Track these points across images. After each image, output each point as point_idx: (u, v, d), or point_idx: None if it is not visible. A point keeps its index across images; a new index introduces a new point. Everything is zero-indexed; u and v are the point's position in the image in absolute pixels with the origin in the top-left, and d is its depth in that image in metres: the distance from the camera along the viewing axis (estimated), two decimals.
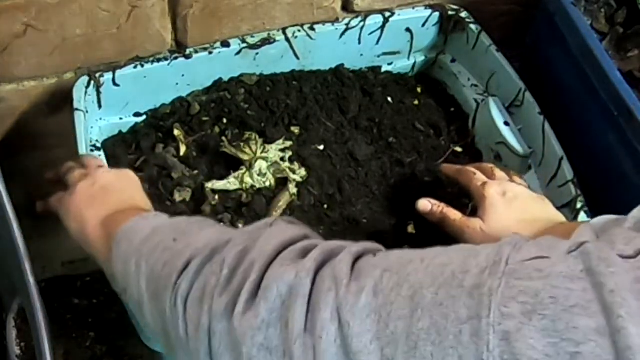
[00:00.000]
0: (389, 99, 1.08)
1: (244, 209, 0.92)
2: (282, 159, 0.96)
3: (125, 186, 0.81)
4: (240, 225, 0.90)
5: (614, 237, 0.48)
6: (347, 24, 1.05)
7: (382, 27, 1.07)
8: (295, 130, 1.01)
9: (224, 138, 0.97)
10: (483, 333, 0.44)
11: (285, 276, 0.53)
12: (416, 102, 1.09)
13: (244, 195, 0.93)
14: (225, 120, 1.00)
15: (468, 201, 0.92)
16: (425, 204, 0.89)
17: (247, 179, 0.94)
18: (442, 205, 0.88)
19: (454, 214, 0.87)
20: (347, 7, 1.06)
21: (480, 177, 0.88)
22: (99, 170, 0.82)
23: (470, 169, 0.91)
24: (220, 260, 0.57)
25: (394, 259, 0.54)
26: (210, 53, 1.00)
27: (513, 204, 0.84)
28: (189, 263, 0.59)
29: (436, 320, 0.47)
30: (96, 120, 0.99)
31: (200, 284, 0.57)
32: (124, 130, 1.01)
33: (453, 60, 1.12)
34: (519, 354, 0.43)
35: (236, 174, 0.94)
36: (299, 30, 1.03)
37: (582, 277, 0.44)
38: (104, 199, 0.77)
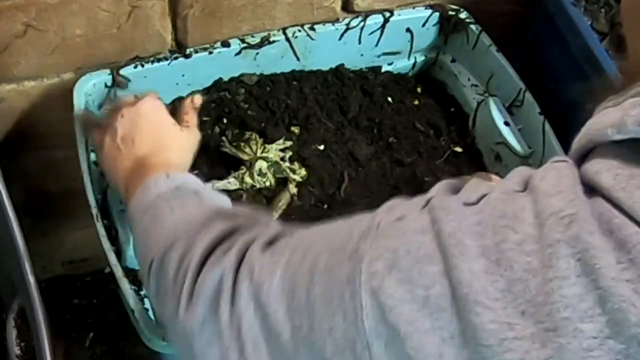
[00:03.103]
0: (389, 99, 1.08)
1: None
2: (282, 159, 0.96)
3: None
4: None
5: (465, 188, 0.52)
6: (347, 24, 1.05)
7: (382, 27, 1.07)
8: (296, 130, 1.01)
9: (224, 138, 0.97)
10: (357, 293, 0.48)
11: (214, 275, 0.57)
12: (416, 102, 1.09)
13: (244, 196, 0.93)
14: (225, 120, 1.00)
15: None
16: None
17: (247, 179, 0.94)
18: None
19: None
20: (347, 7, 1.06)
21: None
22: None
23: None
24: (167, 262, 0.63)
25: (306, 235, 0.58)
26: (210, 53, 1.00)
27: None
28: (152, 262, 0.65)
29: (327, 285, 0.51)
30: None
31: (156, 285, 0.64)
32: None
33: (453, 60, 1.12)
34: (383, 304, 0.47)
35: (236, 174, 0.94)
36: (299, 30, 1.03)
37: (429, 229, 0.48)
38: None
